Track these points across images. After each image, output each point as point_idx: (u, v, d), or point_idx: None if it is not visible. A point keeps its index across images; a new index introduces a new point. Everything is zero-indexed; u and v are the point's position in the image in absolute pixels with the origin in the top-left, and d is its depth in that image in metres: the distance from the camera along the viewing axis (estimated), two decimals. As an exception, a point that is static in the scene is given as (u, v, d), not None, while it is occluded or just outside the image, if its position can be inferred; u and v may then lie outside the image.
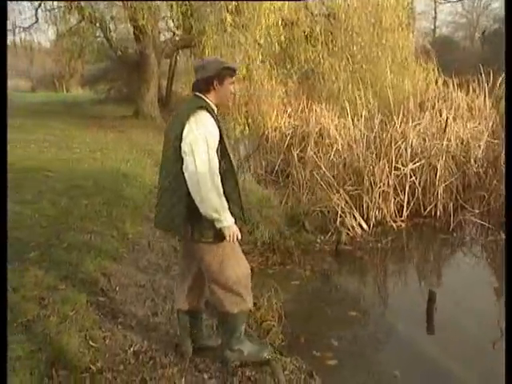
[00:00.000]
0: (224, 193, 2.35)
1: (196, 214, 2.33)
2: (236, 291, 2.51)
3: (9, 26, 14.73)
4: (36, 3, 14.60)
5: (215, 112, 2.42)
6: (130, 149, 9.41)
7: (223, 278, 2.49)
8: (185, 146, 2.28)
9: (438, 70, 11.89)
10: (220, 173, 2.34)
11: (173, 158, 2.36)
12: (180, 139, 2.30)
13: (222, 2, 10.11)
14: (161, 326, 3.19)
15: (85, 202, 5.41)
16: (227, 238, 2.36)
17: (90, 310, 3.24)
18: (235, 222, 2.40)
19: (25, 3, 15.66)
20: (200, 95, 2.44)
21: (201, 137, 2.27)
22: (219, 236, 2.38)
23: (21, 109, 17.35)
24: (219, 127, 2.37)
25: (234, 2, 10.52)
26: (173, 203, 2.39)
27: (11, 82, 34.65)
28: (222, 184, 2.35)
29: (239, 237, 2.41)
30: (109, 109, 18.28)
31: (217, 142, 2.34)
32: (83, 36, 14.36)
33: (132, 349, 2.88)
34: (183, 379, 2.63)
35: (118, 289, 3.66)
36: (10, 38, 15.18)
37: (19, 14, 20.64)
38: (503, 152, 5.92)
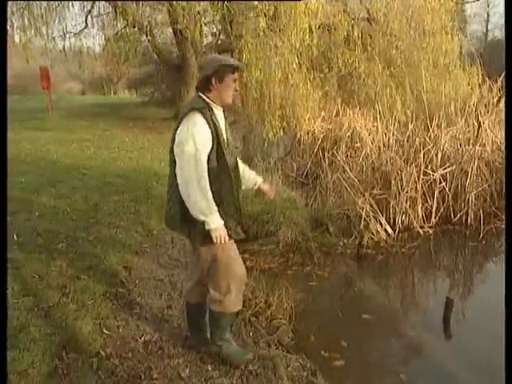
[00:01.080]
0: (219, 194, 2.40)
1: (190, 214, 2.40)
2: (223, 292, 2.58)
3: (60, 32, 15.54)
4: (86, 9, 15.27)
5: (213, 111, 2.42)
6: (166, 149, 9.63)
7: (212, 277, 2.58)
8: (175, 148, 2.35)
9: (482, 74, 11.46)
10: (214, 175, 2.37)
11: (171, 159, 2.44)
12: (173, 140, 2.38)
13: (260, 7, 10.20)
14: (174, 318, 3.29)
15: (115, 198, 5.63)
16: (214, 240, 2.40)
17: (108, 300, 3.38)
18: (225, 225, 2.42)
19: (76, 10, 16.42)
20: (201, 95, 2.44)
21: (189, 139, 2.30)
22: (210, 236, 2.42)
23: (69, 111, 18.17)
24: (215, 128, 2.37)
25: (272, 7, 10.60)
26: (173, 202, 2.48)
27: (64, 86, 36.45)
28: (217, 186, 2.39)
29: (227, 240, 2.43)
30: (151, 111, 18.81)
31: (208, 145, 2.35)
32: (128, 41, 14.84)
33: (143, 338, 2.99)
34: (187, 369, 2.71)
35: (137, 282, 3.79)
36: (61, 43, 15.96)
37: (71, 20, 21.72)
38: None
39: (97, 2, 14.26)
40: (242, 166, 2.75)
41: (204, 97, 2.44)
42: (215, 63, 2.41)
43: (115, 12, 13.04)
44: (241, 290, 2.66)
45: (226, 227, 2.45)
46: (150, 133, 12.43)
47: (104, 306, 3.29)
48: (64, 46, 15.40)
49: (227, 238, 2.44)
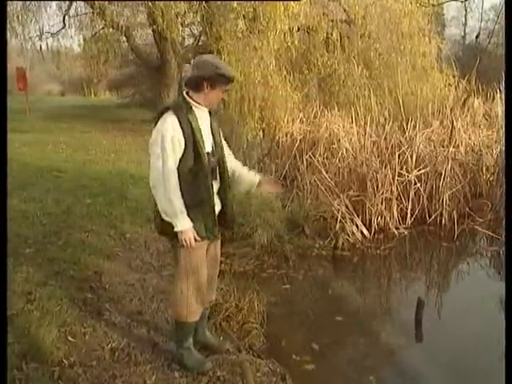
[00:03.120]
0: (196, 195, 2.40)
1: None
2: (178, 298, 2.58)
3: (37, 32, 15.26)
4: (63, 9, 15.03)
5: (193, 111, 2.39)
6: (144, 152, 9.53)
7: (174, 281, 2.63)
8: (149, 148, 2.38)
9: (459, 76, 11.61)
10: (191, 175, 2.37)
11: None
12: None
13: (239, 9, 10.18)
14: (144, 324, 3.22)
15: (88, 201, 5.53)
16: (181, 243, 2.39)
17: (75, 307, 3.30)
18: (201, 225, 2.43)
19: (53, 10, 16.16)
20: (185, 95, 2.43)
21: (158, 139, 2.32)
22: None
23: (47, 112, 17.88)
24: (190, 128, 2.34)
25: (251, 9, 10.59)
26: (155, 203, 2.49)
27: (44, 87, 35.87)
28: (194, 187, 2.38)
29: (193, 243, 2.41)
30: (131, 112, 18.61)
31: (177, 145, 2.33)
32: (107, 42, 14.66)
33: (110, 345, 2.92)
34: (154, 376, 2.65)
35: (107, 287, 3.71)
36: (38, 43, 15.68)
37: (48, 20, 21.34)
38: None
39: (74, 3, 14.06)
40: (238, 170, 2.69)
41: (186, 95, 2.42)
42: (212, 69, 2.36)
43: (93, 13, 12.87)
44: (199, 301, 2.59)
45: (203, 227, 2.45)
46: (129, 135, 12.28)
47: (71, 312, 3.20)
48: (41, 47, 15.22)
49: (193, 242, 2.41)
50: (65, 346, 2.80)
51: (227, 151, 2.69)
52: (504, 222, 4.21)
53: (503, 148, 6.76)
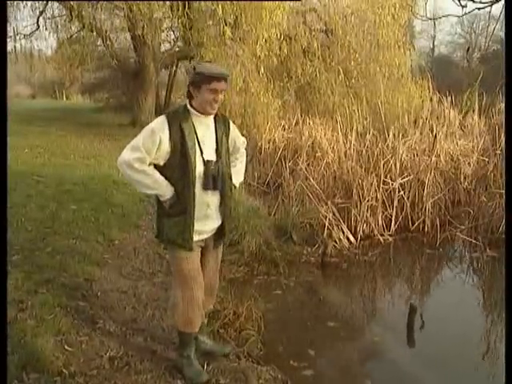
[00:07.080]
0: (181, 203, 2.43)
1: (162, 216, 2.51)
2: (174, 305, 2.63)
3: (10, 33, 14.83)
4: (38, 11, 14.68)
5: (190, 118, 2.39)
6: (124, 157, 9.39)
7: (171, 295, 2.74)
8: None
9: (433, 88, 11.95)
10: (176, 183, 2.39)
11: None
12: None
13: (221, 15, 10.20)
14: (139, 332, 3.18)
15: (73, 207, 5.42)
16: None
17: (69, 315, 3.23)
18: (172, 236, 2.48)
19: (27, 11, 15.75)
20: (187, 104, 2.45)
21: (138, 140, 2.38)
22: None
23: (19, 115, 17.40)
24: (182, 138, 2.34)
25: (233, 16, 10.63)
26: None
27: (12, 89, 34.82)
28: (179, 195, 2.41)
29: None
30: (107, 117, 18.34)
31: (156, 143, 2.33)
32: (84, 44, 14.43)
33: (108, 354, 2.87)
34: (156, 385, 2.62)
35: (99, 294, 3.65)
36: (11, 44, 15.22)
37: (21, 21, 20.76)
38: (500, 165, 6.06)
39: (49, 3, 13.77)
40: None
41: (188, 103, 2.44)
42: (191, 71, 2.37)
43: (70, 15, 12.64)
44: (194, 312, 2.56)
45: (179, 237, 2.42)
46: (106, 139, 12.09)
47: (65, 321, 3.13)
48: (15, 48, 14.76)
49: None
50: (63, 355, 2.74)
51: (238, 154, 2.81)
52: (504, 222, 4.36)
53: (481, 157, 7.04)
